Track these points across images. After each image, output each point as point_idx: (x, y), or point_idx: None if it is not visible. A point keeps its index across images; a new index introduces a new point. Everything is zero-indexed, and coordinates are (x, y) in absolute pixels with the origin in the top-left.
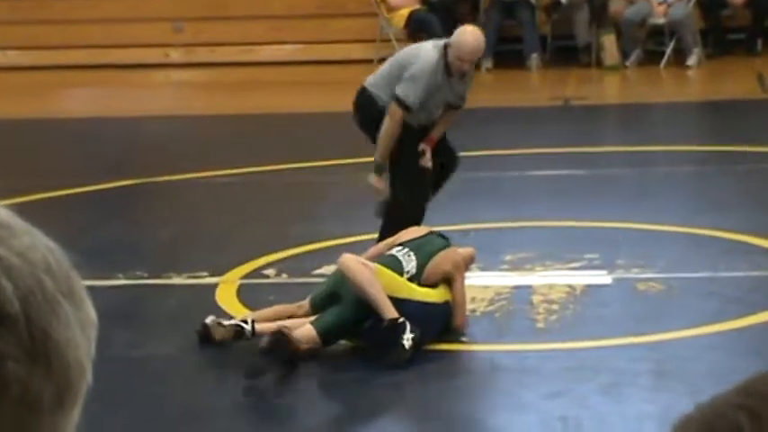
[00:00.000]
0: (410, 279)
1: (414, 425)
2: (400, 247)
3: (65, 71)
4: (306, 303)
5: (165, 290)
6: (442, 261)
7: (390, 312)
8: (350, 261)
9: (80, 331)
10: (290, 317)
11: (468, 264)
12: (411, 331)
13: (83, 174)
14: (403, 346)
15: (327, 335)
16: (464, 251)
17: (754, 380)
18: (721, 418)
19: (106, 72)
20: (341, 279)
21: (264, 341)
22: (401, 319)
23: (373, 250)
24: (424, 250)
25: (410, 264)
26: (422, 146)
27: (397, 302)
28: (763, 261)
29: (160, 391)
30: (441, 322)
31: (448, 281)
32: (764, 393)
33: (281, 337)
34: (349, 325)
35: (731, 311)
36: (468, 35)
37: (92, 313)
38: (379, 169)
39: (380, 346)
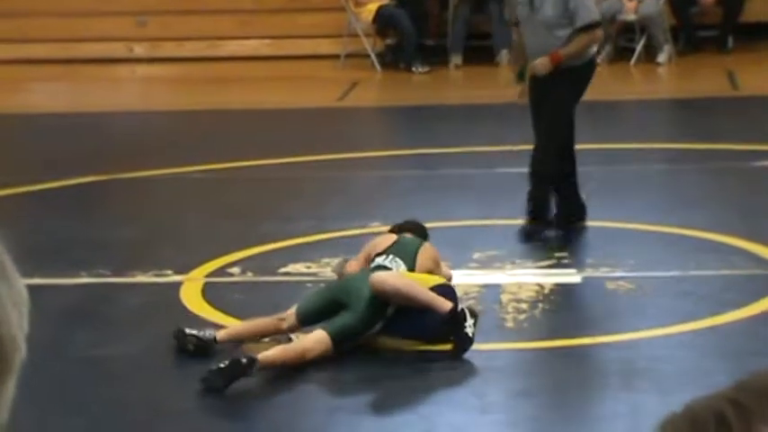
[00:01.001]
0: None
1: (381, 423)
2: (383, 256)
3: (27, 65)
4: (289, 316)
5: (129, 288)
6: (425, 260)
7: (446, 305)
8: (381, 276)
9: (11, 306)
10: (274, 331)
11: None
12: (471, 316)
13: (46, 170)
14: (467, 334)
15: (340, 338)
16: (445, 270)
17: (747, 378)
18: (707, 408)
19: (69, 67)
20: (342, 287)
21: (225, 362)
22: (460, 308)
23: (355, 264)
24: (405, 252)
25: (399, 268)
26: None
27: (434, 291)
28: (734, 260)
29: (123, 391)
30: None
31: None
32: (754, 388)
33: (238, 365)
34: (362, 328)
35: (702, 311)
36: None
37: (23, 290)
38: (516, 76)
39: (440, 338)
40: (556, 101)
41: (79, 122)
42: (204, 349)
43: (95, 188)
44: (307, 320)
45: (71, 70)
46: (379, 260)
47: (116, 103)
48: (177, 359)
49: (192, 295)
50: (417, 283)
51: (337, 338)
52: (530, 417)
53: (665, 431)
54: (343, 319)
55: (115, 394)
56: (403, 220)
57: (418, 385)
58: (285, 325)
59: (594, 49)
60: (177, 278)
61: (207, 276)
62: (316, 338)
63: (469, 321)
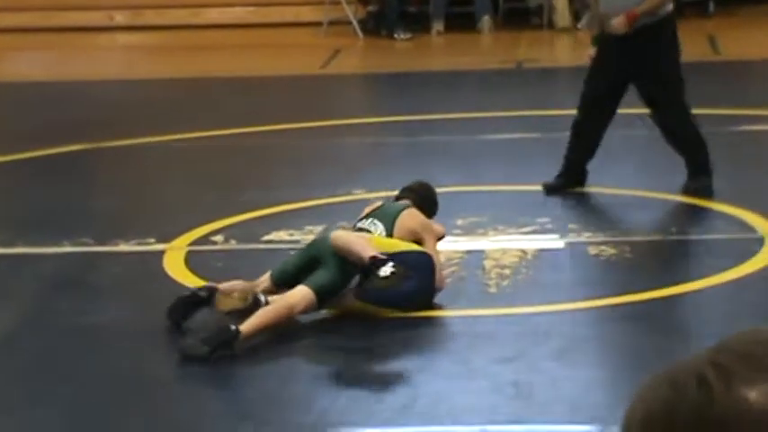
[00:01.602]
0: None
1: (365, 390)
2: (364, 219)
3: (7, 34)
4: (262, 281)
5: (111, 257)
6: (407, 219)
7: (370, 252)
8: (337, 232)
9: None
10: None
11: (438, 237)
12: (393, 267)
13: (27, 139)
14: (378, 275)
15: (323, 293)
16: (438, 227)
17: (728, 339)
18: (687, 370)
19: (50, 35)
20: (317, 244)
21: (210, 330)
22: (383, 256)
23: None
24: (385, 214)
25: (378, 230)
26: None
27: (399, 256)
28: (715, 224)
29: (107, 358)
30: (433, 272)
31: (419, 243)
32: (733, 349)
33: (228, 335)
34: (340, 283)
35: (683, 275)
36: None
37: None
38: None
39: (414, 306)
40: (654, 62)
41: (60, 91)
42: (200, 303)
43: (77, 157)
44: (282, 282)
45: (52, 39)
46: (360, 224)
47: (97, 71)
48: (161, 327)
49: (175, 263)
50: (362, 239)
51: (320, 292)
52: (513, 382)
53: (645, 393)
54: (321, 275)
55: (99, 362)
56: (412, 182)
57: (401, 352)
58: (259, 290)
59: (671, 6)
60: (160, 246)
61: (190, 244)
62: (301, 294)
63: (387, 269)
